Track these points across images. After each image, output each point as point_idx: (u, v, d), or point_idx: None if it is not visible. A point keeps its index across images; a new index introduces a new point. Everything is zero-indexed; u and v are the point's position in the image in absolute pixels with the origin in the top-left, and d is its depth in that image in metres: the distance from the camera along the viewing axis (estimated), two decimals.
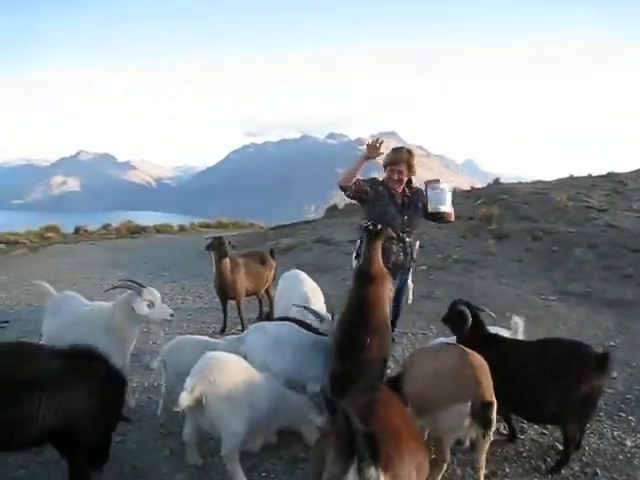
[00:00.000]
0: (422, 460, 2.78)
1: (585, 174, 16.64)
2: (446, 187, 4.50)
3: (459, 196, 15.02)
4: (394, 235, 4.54)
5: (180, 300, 8.60)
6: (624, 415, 4.65)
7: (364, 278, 4.07)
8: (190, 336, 4.74)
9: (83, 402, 3.14)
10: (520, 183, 16.33)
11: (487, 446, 3.38)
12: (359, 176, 4.65)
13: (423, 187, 4.63)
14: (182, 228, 22.98)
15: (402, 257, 4.73)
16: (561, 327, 7.06)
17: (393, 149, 4.89)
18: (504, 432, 4.27)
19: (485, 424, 3.23)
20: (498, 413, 3.36)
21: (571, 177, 16.42)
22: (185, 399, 3.27)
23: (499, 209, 12.04)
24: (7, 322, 7.28)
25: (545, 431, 4.33)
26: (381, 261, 4.18)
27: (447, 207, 4.49)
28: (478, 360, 3.44)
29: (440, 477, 3.48)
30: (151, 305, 4.27)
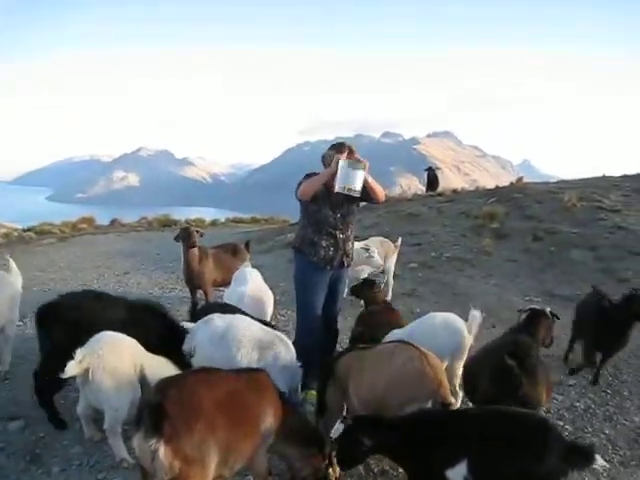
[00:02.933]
0: (242, 444, 2.92)
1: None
2: (359, 170, 4.35)
3: (473, 194, 14.83)
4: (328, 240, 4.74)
5: (169, 290, 8.89)
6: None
7: None
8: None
9: None
10: (545, 183, 15.90)
11: None
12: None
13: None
14: (214, 223, 23.40)
15: (332, 252, 4.77)
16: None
17: (334, 144, 4.80)
18: None
19: None
20: None
21: (603, 177, 15.83)
22: (71, 368, 3.45)
23: (506, 208, 11.85)
24: None
25: None
26: None
27: (356, 186, 4.35)
28: (435, 359, 3.49)
29: None
30: None
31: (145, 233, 17.87)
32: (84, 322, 4.02)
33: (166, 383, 2.81)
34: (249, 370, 3.42)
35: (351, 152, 4.62)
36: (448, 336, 4.42)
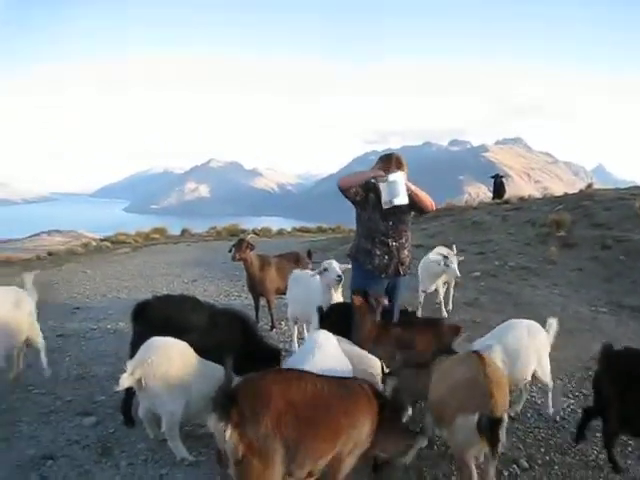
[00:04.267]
0: (314, 445, 3.01)
1: None
2: (396, 178, 4.46)
3: (540, 202, 14.46)
4: (381, 248, 4.80)
5: (234, 297, 9.20)
6: None
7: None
8: None
9: None
10: (616, 189, 15.31)
11: (494, 466, 3.32)
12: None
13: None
14: (280, 232, 23.83)
15: (386, 260, 4.85)
16: (602, 341, 6.72)
17: (382, 156, 4.91)
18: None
19: (492, 440, 3.03)
20: None
21: None
22: (124, 380, 3.68)
23: (574, 215, 11.50)
24: (78, 308, 8.26)
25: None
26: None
27: (401, 198, 4.46)
28: (496, 372, 3.36)
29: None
30: None
31: (213, 242, 18.40)
32: (173, 322, 4.33)
33: (246, 377, 3.12)
34: (350, 378, 3.49)
35: (399, 163, 4.70)
36: (533, 341, 4.52)
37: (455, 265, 7.07)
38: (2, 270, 12.39)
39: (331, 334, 3.92)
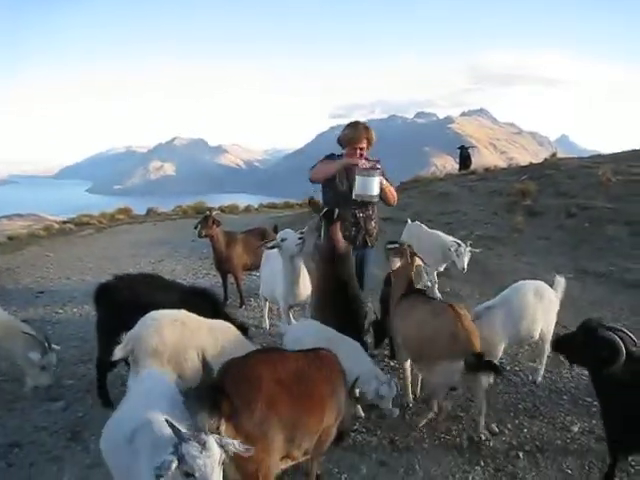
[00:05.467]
0: (308, 422, 2.97)
1: None
2: (374, 177, 4.54)
3: (506, 172, 14.63)
4: (349, 219, 4.83)
5: (203, 275, 9.10)
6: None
7: (330, 258, 4.50)
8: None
9: None
10: (579, 158, 15.53)
11: (484, 393, 3.88)
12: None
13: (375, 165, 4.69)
14: (248, 209, 23.57)
15: (354, 232, 4.86)
16: (568, 307, 6.85)
17: (349, 124, 4.94)
18: None
19: (489, 369, 3.65)
20: None
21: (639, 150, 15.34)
22: (118, 352, 3.64)
23: (539, 184, 11.65)
24: (42, 292, 8.08)
25: None
26: (341, 239, 4.54)
27: (371, 195, 4.59)
28: (469, 321, 3.88)
29: (423, 422, 4.15)
30: None
31: (180, 221, 18.13)
32: (137, 302, 4.21)
33: (227, 364, 2.90)
34: (314, 349, 3.43)
35: (367, 131, 4.80)
36: (540, 302, 4.68)
37: (465, 259, 6.85)
38: None
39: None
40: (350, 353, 3.88)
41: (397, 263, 4.54)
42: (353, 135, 4.82)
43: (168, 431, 2.30)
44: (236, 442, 2.36)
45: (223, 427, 2.53)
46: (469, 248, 6.91)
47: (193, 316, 4.02)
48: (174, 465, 2.15)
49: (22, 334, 4.67)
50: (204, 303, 4.49)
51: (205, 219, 7.01)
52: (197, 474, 2.16)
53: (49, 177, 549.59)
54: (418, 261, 4.54)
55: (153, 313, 3.88)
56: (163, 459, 2.16)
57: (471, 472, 3.64)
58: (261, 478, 2.69)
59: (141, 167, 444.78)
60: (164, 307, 4.01)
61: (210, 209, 7.83)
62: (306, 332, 4.16)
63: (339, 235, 4.54)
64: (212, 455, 2.19)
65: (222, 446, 2.28)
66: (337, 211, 4.53)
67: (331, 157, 4.93)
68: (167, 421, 2.32)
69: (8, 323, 4.80)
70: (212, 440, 2.24)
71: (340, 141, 4.95)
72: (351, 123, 4.95)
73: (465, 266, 6.88)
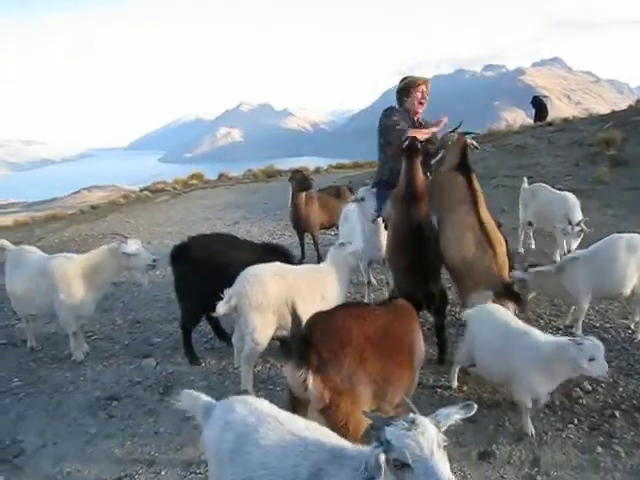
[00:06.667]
0: (397, 375, 2.93)
1: None
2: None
3: (587, 122, 13.81)
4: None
5: (278, 235, 9.16)
6: None
7: (411, 199, 4.26)
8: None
9: None
10: None
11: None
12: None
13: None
14: (317, 170, 23.53)
15: None
16: None
17: (402, 79, 4.99)
18: None
19: (516, 299, 4.04)
20: None
21: None
22: (220, 308, 3.73)
23: (624, 133, 10.91)
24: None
25: None
26: (422, 176, 4.36)
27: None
28: (502, 254, 4.14)
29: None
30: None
31: (251, 185, 18.33)
32: (213, 261, 4.34)
33: (316, 317, 2.88)
34: (392, 300, 3.39)
35: (424, 82, 4.87)
36: (634, 256, 4.43)
37: (575, 241, 5.68)
38: (52, 225, 12.65)
39: None
40: (541, 338, 3.47)
41: None
42: (413, 79, 4.90)
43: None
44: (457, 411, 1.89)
45: (311, 379, 2.53)
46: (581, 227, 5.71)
47: (289, 267, 4.11)
48: (382, 458, 1.68)
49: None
50: (279, 259, 4.45)
51: (303, 174, 7.06)
52: (411, 459, 1.64)
53: (122, 149, 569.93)
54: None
55: (252, 268, 3.92)
56: (367, 458, 1.74)
57: (564, 430, 3.49)
58: (351, 430, 2.64)
59: (209, 134, 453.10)
60: (240, 265, 4.03)
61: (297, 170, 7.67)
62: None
63: (420, 172, 4.33)
64: (426, 432, 1.69)
65: (438, 424, 1.78)
66: (418, 144, 4.35)
67: (392, 111, 4.85)
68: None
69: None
70: (423, 418, 1.75)
71: (399, 92, 4.96)
72: (407, 77, 4.99)
73: (573, 247, 5.67)
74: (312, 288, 3.99)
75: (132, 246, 4.74)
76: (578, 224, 5.67)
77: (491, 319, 3.74)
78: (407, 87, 4.85)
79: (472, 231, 4.17)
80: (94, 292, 4.79)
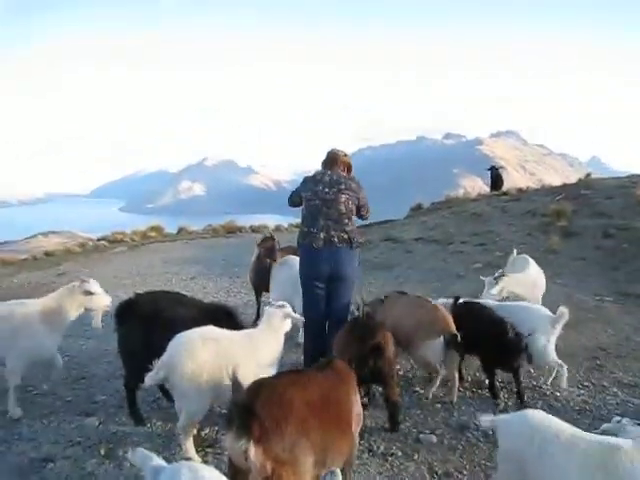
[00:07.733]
0: (339, 443, 2.92)
1: None
2: None
3: (539, 192, 14.41)
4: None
5: (234, 293, 9.09)
6: None
7: None
8: None
9: None
10: (616, 178, 15.24)
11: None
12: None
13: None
14: (278, 228, 23.71)
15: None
16: (609, 331, 6.66)
17: (328, 153, 5.68)
18: None
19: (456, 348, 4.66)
20: None
21: None
22: (148, 380, 3.63)
23: (575, 205, 11.42)
24: None
25: None
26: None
27: None
28: (442, 309, 4.92)
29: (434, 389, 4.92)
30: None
31: (211, 240, 18.26)
32: (158, 318, 4.25)
33: (257, 384, 2.81)
34: (327, 362, 3.32)
35: (343, 162, 5.70)
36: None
37: (493, 290, 6.11)
38: (0, 271, 12.26)
39: None
40: None
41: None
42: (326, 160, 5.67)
43: None
44: None
45: (252, 450, 2.46)
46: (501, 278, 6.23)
47: (224, 332, 3.95)
48: None
49: None
50: (225, 319, 4.40)
51: (273, 243, 6.94)
52: None
53: (83, 196, 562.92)
54: None
55: (181, 336, 3.78)
56: None
57: None
58: None
59: (172, 187, 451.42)
60: (185, 323, 3.96)
61: (271, 233, 7.72)
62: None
63: None
64: None
65: None
66: None
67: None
68: None
69: None
70: None
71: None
72: (330, 151, 5.73)
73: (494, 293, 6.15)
74: (248, 352, 3.86)
75: (94, 285, 4.79)
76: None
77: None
78: (323, 165, 5.68)
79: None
80: (55, 334, 4.74)
